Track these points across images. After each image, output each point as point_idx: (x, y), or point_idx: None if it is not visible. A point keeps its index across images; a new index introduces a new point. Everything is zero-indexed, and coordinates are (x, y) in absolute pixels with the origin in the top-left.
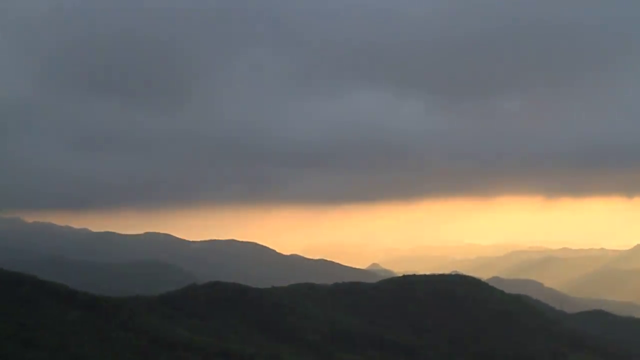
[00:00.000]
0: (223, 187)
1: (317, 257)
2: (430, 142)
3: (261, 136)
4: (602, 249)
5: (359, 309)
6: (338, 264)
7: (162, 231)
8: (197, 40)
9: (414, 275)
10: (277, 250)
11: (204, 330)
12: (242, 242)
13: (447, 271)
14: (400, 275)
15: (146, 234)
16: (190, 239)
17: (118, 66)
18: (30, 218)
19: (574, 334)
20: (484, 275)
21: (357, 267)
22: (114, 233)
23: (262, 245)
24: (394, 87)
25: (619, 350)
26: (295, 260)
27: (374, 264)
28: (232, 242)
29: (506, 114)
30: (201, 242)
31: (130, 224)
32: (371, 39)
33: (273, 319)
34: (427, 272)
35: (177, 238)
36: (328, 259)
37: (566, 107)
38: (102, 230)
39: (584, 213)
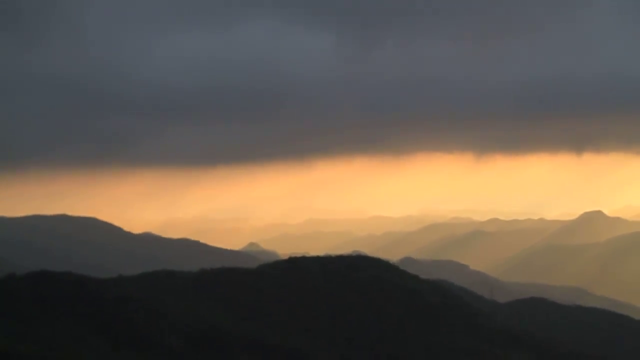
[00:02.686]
0: (61, 146)
1: (178, 237)
2: (336, 88)
3: (117, 80)
4: (541, 219)
5: (231, 302)
6: (205, 244)
7: None
8: None
9: (304, 258)
10: (125, 229)
11: (26, 336)
12: (77, 217)
13: (347, 251)
14: (286, 257)
15: None
16: (7, 215)
17: None
18: None
19: (508, 329)
20: (393, 255)
21: (231, 248)
22: None
23: (104, 222)
24: (293, 17)
25: (563, 347)
26: (149, 241)
27: (252, 244)
28: (64, 218)
29: (432, 55)
30: (22, 218)
31: None
32: None
33: (119, 319)
34: (321, 253)
35: None
36: (193, 239)
37: (503, 46)
38: None
39: (521, 174)
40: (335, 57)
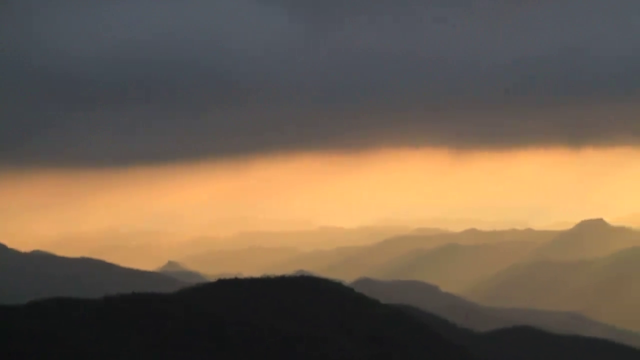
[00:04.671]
0: None
1: (77, 255)
2: (283, 74)
3: (13, 58)
4: (529, 230)
5: (141, 338)
6: (112, 264)
7: None
8: None
9: (236, 280)
10: (10, 245)
11: None
12: None
13: (289, 271)
14: (214, 279)
15: None
16: None
17: None
18: None
19: None
20: (347, 276)
21: (144, 268)
22: None
23: None
24: None
25: None
26: (40, 260)
27: (171, 263)
28: None
29: (398, 33)
30: None
31: None
32: None
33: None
34: (258, 274)
35: None
36: (96, 257)
37: (485, 21)
38: None
39: (505, 175)
40: (282, 40)
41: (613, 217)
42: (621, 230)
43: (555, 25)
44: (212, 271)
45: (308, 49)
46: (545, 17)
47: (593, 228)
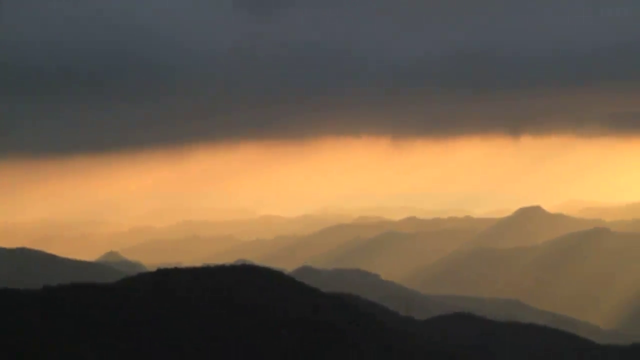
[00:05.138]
0: None
1: (13, 246)
2: (228, 58)
3: None
4: (468, 217)
5: (81, 328)
6: (51, 255)
7: None
8: None
9: (176, 270)
10: None
11: None
12: None
13: (230, 260)
14: (154, 269)
15: None
16: None
17: None
18: None
19: (428, 352)
20: (288, 264)
21: (84, 259)
22: None
23: None
24: None
25: None
26: None
27: (110, 253)
28: None
29: (340, 25)
30: None
31: None
32: None
33: None
34: (198, 264)
35: None
36: (33, 248)
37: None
38: None
39: (445, 163)
40: (224, 29)
41: (550, 205)
42: (558, 217)
43: (492, 17)
44: (152, 261)
45: (249, 37)
46: (482, 9)
47: (531, 215)
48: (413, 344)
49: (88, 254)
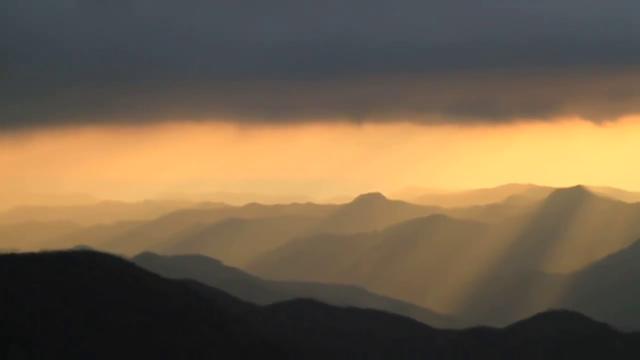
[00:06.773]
0: None
1: None
2: (67, 37)
3: None
4: (309, 204)
5: None
6: None
7: None
8: None
9: (13, 256)
10: None
11: None
12: None
13: (69, 246)
14: None
15: None
16: None
17: None
18: None
19: (266, 338)
20: (128, 250)
21: None
22: None
23: None
24: None
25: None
26: None
27: None
28: None
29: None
30: None
31: None
32: None
33: None
34: (36, 249)
35: None
36: None
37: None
38: None
39: (289, 149)
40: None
41: (390, 191)
42: (397, 204)
43: (338, 7)
44: None
45: (91, 18)
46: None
47: (371, 202)
48: (253, 329)
49: None
